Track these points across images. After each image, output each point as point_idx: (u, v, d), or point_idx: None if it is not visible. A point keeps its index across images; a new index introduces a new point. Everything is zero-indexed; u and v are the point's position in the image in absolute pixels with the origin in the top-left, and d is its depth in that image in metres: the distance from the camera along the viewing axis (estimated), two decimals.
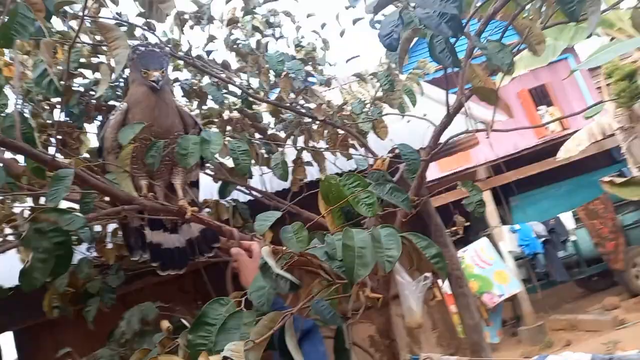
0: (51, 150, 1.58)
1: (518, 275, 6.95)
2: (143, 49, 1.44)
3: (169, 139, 1.47)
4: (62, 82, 2.10)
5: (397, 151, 1.70)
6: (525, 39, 1.43)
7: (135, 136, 1.41)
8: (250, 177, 2.41)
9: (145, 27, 1.96)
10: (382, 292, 2.28)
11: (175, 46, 2.03)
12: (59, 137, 2.13)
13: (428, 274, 2.26)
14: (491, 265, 6.30)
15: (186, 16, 2.05)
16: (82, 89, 2.14)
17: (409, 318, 1.79)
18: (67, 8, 1.88)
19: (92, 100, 2.14)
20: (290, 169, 2.27)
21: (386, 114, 2.12)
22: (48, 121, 2.16)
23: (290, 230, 1.01)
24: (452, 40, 1.23)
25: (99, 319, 1.99)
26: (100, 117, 2.23)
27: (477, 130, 1.73)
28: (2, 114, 1.65)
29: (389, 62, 2.32)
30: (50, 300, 1.96)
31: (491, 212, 7.12)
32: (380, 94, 2.34)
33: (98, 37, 2.02)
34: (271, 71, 1.97)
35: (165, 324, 1.12)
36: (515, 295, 6.64)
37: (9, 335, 3.56)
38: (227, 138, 2.13)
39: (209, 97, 2.04)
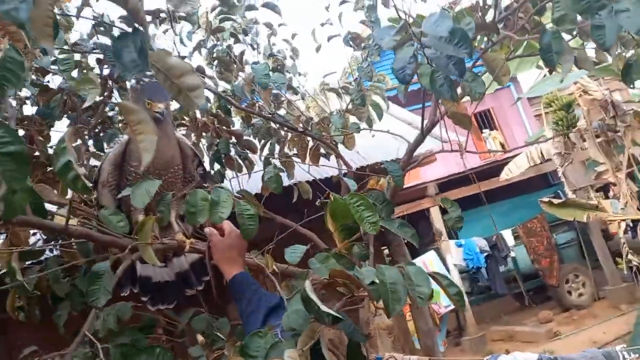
0: None
1: (462, 288, 7.28)
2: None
3: (169, 173, 1.49)
4: (39, 79, 2.10)
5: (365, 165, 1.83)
6: (492, 70, 1.59)
7: (136, 170, 1.42)
8: (222, 182, 2.46)
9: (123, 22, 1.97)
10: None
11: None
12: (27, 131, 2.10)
13: None
14: None
15: (163, 14, 2.08)
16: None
17: (380, 320, 1.91)
18: None
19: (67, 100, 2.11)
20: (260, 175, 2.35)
21: (359, 129, 2.24)
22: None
23: (317, 261, 1.10)
24: None
25: (50, 319, 1.95)
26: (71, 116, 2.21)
27: (450, 151, 1.88)
28: None
29: (359, 78, 2.46)
30: (14, 300, 1.90)
31: (439, 224, 7.44)
32: (349, 107, 2.48)
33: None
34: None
35: (200, 338, 1.16)
36: None
37: None
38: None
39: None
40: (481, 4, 1.75)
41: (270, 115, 2.10)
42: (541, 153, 7.19)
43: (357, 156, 3.24)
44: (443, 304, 6.48)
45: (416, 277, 1.01)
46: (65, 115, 2.12)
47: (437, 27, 1.14)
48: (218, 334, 1.41)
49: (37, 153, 2.01)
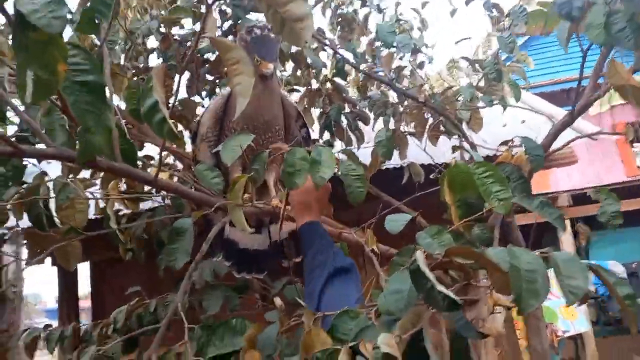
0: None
1: (587, 315, 6.39)
2: (258, 32, 1.30)
3: (270, 132, 1.36)
4: (162, 30, 2.14)
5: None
6: None
7: (236, 125, 1.29)
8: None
9: None
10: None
11: None
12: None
13: None
14: (559, 298, 5.82)
15: None
16: (178, 38, 2.15)
17: (490, 324, 1.61)
18: None
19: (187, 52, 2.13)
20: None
21: (491, 102, 1.93)
22: (141, 65, 2.18)
23: (428, 235, 0.92)
24: None
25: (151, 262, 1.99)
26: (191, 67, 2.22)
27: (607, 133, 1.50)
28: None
29: (498, 50, 2.13)
30: (127, 239, 1.98)
31: (568, 241, 6.61)
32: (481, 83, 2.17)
33: None
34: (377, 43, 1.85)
35: (278, 301, 1.03)
36: (580, 335, 6.11)
37: (85, 266, 3.81)
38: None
39: (308, 61, 1.95)
40: None
41: (389, 82, 1.89)
42: None
43: (482, 144, 2.87)
44: (561, 327, 5.75)
45: (567, 266, 0.73)
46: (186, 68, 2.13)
47: None
48: (301, 301, 1.27)
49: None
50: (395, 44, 1.76)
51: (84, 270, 3.93)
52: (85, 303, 4.97)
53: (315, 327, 0.83)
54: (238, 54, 0.87)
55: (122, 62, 2.03)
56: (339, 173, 1.09)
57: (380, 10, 2.11)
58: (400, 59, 1.93)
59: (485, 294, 0.86)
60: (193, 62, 2.16)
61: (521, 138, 1.36)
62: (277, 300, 1.06)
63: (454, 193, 1.04)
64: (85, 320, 4.91)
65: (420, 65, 2.34)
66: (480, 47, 2.43)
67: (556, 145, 1.78)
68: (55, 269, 3.80)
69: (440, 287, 0.68)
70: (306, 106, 2.18)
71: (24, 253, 3.15)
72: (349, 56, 2.02)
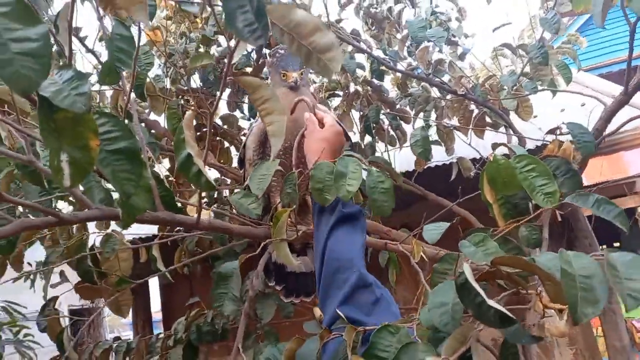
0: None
1: None
2: (282, 51, 1.34)
3: None
4: (200, 49, 2.22)
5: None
6: None
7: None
8: (373, 154, 2.29)
9: None
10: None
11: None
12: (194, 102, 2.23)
13: None
14: None
15: None
16: (216, 55, 2.22)
17: (552, 324, 1.51)
18: None
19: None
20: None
21: (535, 89, 1.83)
22: (185, 87, 2.27)
23: (471, 243, 0.85)
24: None
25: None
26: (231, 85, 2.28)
27: None
28: (147, 73, 1.77)
29: (542, 32, 2.02)
30: (180, 257, 2.07)
31: None
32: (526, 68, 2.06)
33: None
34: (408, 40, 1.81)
35: (317, 311, 1.04)
36: None
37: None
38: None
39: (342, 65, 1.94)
40: None
41: (425, 77, 1.84)
42: None
43: (535, 131, 2.72)
44: None
45: (626, 267, 0.67)
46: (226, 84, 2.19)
47: None
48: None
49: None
50: (428, 39, 1.71)
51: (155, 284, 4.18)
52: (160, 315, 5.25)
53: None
54: (266, 92, 0.86)
55: (167, 85, 2.12)
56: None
57: (413, 4, 2.06)
58: (440, 51, 1.87)
59: (535, 298, 0.80)
60: (230, 76, 2.21)
61: (567, 124, 1.27)
62: (317, 311, 1.05)
63: (495, 191, 0.99)
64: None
65: (462, 57, 2.26)
66: (525, 31, 2.29)
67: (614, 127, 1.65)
68: None
69: (492, 303, 0.63)
70: (345, 110, 2.17)
71: None
72: (384, 55, 1.98)
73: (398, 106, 2.30)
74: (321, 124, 1.17)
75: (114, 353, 1.96)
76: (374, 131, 2.11)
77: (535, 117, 2.07)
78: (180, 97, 2.14)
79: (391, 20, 1.91)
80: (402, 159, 2.57)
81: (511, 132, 1.87)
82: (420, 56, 1.76)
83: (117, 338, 2.12)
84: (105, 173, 0.66)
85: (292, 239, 1.23)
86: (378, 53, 2.13)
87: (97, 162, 0.63)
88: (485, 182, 0.98)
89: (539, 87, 2.04)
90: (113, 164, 0.67)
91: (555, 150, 1.27)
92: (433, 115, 2.09)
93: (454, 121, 2.17)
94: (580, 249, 2.74)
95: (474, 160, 2.20)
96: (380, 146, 2.35)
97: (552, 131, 1.40)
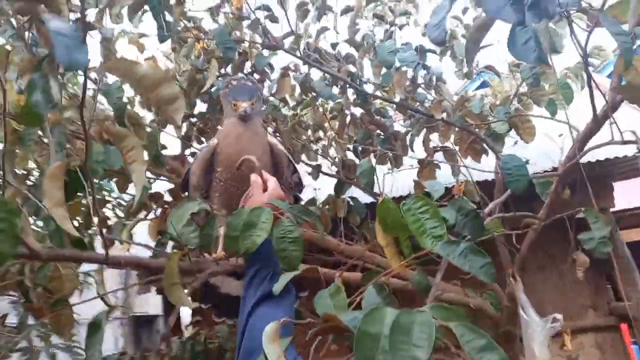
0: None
1: None
2: (235, 82, 1.39)
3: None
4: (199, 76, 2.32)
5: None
6: None
7: (221, 176, 1.33)
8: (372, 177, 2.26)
9: (267, 19, 1.98)
10: (509, 326, 1.91)
11: (297, 38, 2.00)
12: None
13: (559, 316, 1.80)
14: None
15: (309, 7, 2.00)
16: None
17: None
18: None
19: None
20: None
21: (508, 113, 1.73)
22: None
23: (327, 295, 0.84)
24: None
25: None
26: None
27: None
28: None
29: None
30: None
31: None
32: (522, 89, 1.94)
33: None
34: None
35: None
36: None
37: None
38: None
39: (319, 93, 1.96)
40: None
41: (399, 102, 1.80)
42: None
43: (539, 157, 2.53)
44: None
45: (417, 329, 0.62)
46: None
47: None
48: None
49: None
50: (398, 63, 1.67)
51: None
52: None
53: None
54: (131, 141, 0.90)
55: None
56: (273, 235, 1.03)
57: (401, 27, 2.03)
58: (414, 78, 1.81)
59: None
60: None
61: (504, 156, 1.20)
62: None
63: (387, 233, 0.97)
64: None
65: (430, 83, 2.14)
66: None
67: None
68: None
69: None
70: (337, 133, 2.17)
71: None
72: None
73: (397, 128, 2.26)
74: (265, 185, 1.19)
75: None
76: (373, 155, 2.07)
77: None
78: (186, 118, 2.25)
79: (365, 46, 1.89)
80: (402, 182, 2.53)
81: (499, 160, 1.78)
82: (396, 79, 1.73)
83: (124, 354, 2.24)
84: None
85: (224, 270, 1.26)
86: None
87: None
88: (377, 224, 0.96)
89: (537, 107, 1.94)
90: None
91: (459, 190, 1.21)
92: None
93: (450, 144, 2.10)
94: (625, 286, 2.55)
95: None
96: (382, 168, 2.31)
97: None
